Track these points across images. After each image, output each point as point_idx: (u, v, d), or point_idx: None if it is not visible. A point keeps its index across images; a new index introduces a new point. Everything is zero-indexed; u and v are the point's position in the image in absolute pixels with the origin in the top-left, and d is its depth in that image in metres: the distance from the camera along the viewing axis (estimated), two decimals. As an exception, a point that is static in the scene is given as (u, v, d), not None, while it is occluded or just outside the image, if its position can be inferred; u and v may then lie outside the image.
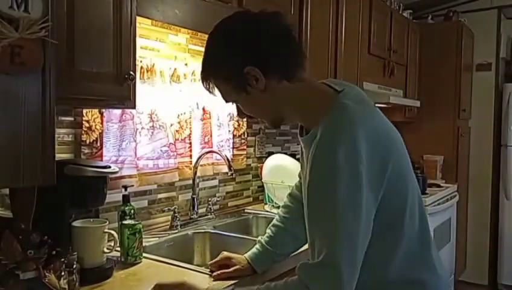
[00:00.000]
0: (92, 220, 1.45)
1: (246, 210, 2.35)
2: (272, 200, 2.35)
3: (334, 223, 0.92)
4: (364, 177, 0.91)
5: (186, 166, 2.05)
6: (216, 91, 1.09)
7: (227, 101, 1.10)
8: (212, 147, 2.14)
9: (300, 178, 1.29)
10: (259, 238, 1.37)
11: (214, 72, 1.06)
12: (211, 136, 2.17)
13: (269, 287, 1.01)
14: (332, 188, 0.92)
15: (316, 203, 0.96)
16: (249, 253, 1.35)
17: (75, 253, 1.25)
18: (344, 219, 0.92)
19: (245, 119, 2.24)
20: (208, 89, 1.08)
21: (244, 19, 1.05)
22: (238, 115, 1.14)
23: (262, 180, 2.37)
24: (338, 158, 0.90)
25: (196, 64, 1.97)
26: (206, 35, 1.13)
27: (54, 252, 1.12)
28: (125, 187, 1.68)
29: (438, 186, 3.37)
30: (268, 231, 1.36)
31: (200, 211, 2.09)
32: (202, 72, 1.08)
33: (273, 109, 1.07)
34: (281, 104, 1.05)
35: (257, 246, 1.36)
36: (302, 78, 1.05)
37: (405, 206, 1.02)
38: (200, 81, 1.10)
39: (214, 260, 1.37)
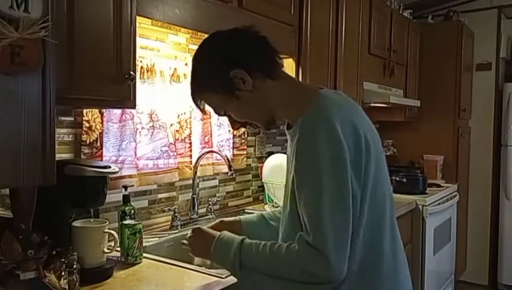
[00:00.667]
0: (92, 220, 1.45)
1: (246, 210, 2.35)
2: (272, 200, 2.35)
3: (319, 208, 0.94)
4: (348, 163, 0.94)
5: (186, 166, 2.05)
6: (207, 107, 1.15)
7: (219, 114, 1.15)
8: (212, 147, 2.14)
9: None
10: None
11: (203, 88, 1.12)
12: (211, 136, 2.17)
13: (272, 249, 1.01)
14: (317, 174, 0.95)
15: (302, 188, 0.99)
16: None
17: (75, 253, 1.25)
18: (329, 203, 0.94)
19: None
20: (199, 107, 1.15)
21: (219, 33, 1.13)
22: (232, 127, 1.19)
23: (262, 180, 2.37)
24: (319, 145, 0.94)
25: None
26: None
27: (54, 252, 1.12)
28: (126, 187, 1.69)
29: (438, 186, 3.37)
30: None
31: (200, 211, 2.09)
32: (191, 92, 1.14)
33: (264, 109, 1.11)
34: (270, 102, 1.10)
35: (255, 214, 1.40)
36: (283, 76, 1.12)
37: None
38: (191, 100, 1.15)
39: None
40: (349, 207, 0.95)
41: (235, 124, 1.17)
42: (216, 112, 1.15)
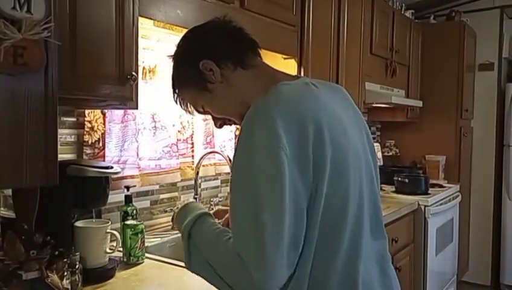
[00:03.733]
0: (94, 220, 1.45)
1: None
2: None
3: (242, 207, 0.84)
4: (285, 162, 0.82)
5: (188, 166, 2.05)
6: (191, 107, 1.12)
7: (198, 111, 1.12)
8: (214, 148, 2.15)
9: None
10: None
11: (178, 84, 1.11)
12: (213, 136, 2.17)
13: (219, 236, 0.90)
14: (246, 174, 0.85)
15: (231, 187, 0.89)
16: None
17: (77, 253, 1.26)
18: (251, 201, 0.82)
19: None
20: (181, 105, 1.13)
21: (191, 29, 1.12)
22: (215, 124, 1.14)
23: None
24: (253, 138, 0.86)
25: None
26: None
27: (56, 253, 1.12)
28: (128, 187, 1.69)
29: (441, 186, 3.36)
30: None
31: (202, 211, 2.09)
32: (172, 91, 1.13)
33: (237, 101, 1.05)
34: (241, 93, 1.04)
35: None
36: (256, 64, 1.07)
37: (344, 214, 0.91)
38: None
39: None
40: (283, 211, 0.80)
41: (216, 122, 1.13)
42: (195, 109, 1.13)
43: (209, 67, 1.03)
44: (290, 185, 0.82)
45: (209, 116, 1.16)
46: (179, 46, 1.11)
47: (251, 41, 1.08)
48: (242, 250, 0.82)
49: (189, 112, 1.15)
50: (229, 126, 1.14)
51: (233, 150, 0.92)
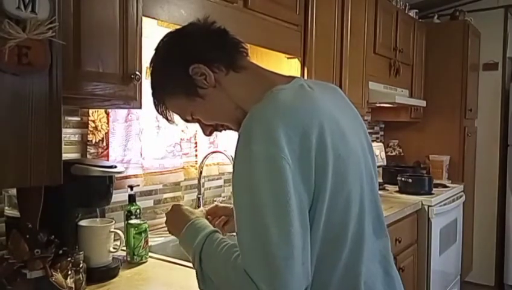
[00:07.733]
0: (98, 219, 1.46)
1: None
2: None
3: (247, 222, 0.81)
4: (288, 172, 0.80)
5: (191, 166, 2.06)
6: (174, 116, 1.06)
7: (187, 120, 1.06)
8: (217, 147, 2.15)
9: None
10: None
11: (163, 92, 1.04)
12: (217, 136, 2.17)
13: (228, 252, 0.87)
14: (246, 187, 0.83)
15: (234, 202, 0.86)
16: None
17: (81, 252, 1.26)
18: (257, 214, 0.79)
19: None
20: (164, 115, 1.06)
21: (172, 32, 1.06)
22: (204, 133, 1.09)
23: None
24: (253, 148, 0.82)
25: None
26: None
27: (60, 252, 1.13)
28: (131, 187, 1.69)
29: (444, 186, 3.35)
30: None
31: (205, 210, 2.09)
32: (153, 98, 1.05)
33: (231, 106, 1.00)
34: (237, 97, 1.00)
35: None
36: (247, 66, 1.02)
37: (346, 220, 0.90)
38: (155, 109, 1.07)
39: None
40: (290, 224, 0.78)
41: (206, 129, 1.07)
42: (183, 118, 1.05)
43: (200, 72, 0.97)
44: (295, 196, 0.80)
45: (176, 125, 1.11)
46: (159, 52, 1.03)
47: (238, 42, 1.03)
48: (251, 268, 0.79)
49: (172, 122, 1.09)
50: (219, 132, 1.09)
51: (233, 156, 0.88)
